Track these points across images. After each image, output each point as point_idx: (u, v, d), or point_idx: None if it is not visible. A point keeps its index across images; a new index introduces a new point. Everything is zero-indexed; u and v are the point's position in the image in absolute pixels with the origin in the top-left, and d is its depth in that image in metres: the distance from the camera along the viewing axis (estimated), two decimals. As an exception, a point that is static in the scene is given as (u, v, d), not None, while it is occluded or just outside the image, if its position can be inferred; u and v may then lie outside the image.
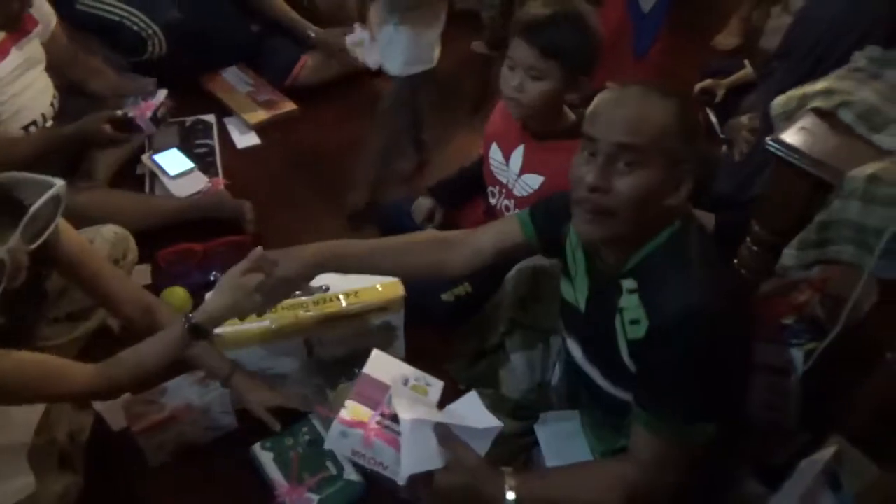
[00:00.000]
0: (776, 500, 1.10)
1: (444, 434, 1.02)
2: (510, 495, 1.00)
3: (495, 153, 1.63)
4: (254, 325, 1.42)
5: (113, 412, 1.49)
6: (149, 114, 1.79)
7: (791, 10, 1.66)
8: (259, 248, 1.26)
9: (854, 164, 1.07)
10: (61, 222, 1.25)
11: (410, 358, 1.60)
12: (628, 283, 1.04)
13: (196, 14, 2.32)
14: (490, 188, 1.69)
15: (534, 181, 1.55)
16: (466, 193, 1.85)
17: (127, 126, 1.77)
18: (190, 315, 1.22)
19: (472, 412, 1.07)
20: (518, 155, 1.57)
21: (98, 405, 1.52)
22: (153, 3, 2.23)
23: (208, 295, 1.31)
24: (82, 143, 1.84)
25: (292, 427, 1.44)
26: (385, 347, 1.55)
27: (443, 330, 1.69)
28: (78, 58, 2.03)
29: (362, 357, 1.49)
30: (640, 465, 1.02)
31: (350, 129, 2.38)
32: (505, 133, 1.60)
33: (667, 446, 1.00)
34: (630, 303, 1.03)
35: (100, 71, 2.07)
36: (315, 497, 1.34)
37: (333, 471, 1.37)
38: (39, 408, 1.31)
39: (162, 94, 1.85)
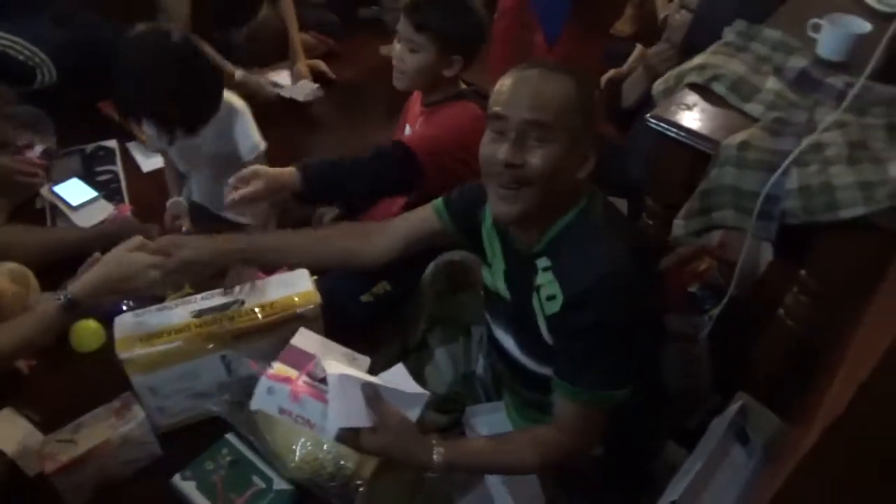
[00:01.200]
0: (691, 460, 1.15)
1: (372, 394, 1.03)
2: (437, 458, 1.04)
3: (408, 132, 1.72)
4: (163, 346, 1.38)
5: (26, 456, 1.42)
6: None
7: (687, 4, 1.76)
8: (137, 237, 1.28)
9: (729, 134, 1.13)
10: None
11: (335, 364, 1.61)
12: (542, 262, 1.08)
13: (85, 36, 2.24)
14: None
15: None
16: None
17: None
18: (66, 292, 1.21)
19: (401, 381, 1.08)
20: (418, 125, 1.67)
21: (10, 450, 1.45)
22: (34, 28, 2.13)
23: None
24: None
25: (210, 450, 1.41)
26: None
27: (366, 332, 1.68)
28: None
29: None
30: (559, 430, 1.07)
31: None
32: (413, 112, 1.72)
33: (584, 411, 1.05)
34: (545, 279, 1.07)
35: None
36: (249, 513, 1.32)
37: (262, 484, 1.35)
38: None
39: (38, 150, 1.90)
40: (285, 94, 2.53)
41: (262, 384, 1.04)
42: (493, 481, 1.28)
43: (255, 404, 1.06)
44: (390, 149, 1.53)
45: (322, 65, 2.68)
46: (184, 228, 1.85)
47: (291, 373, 1.06)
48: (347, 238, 1.34)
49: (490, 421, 1.41)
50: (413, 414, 1.05)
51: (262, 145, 1.75)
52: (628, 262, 1.01)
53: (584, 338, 1.03)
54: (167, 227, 1.86)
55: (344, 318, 1.64)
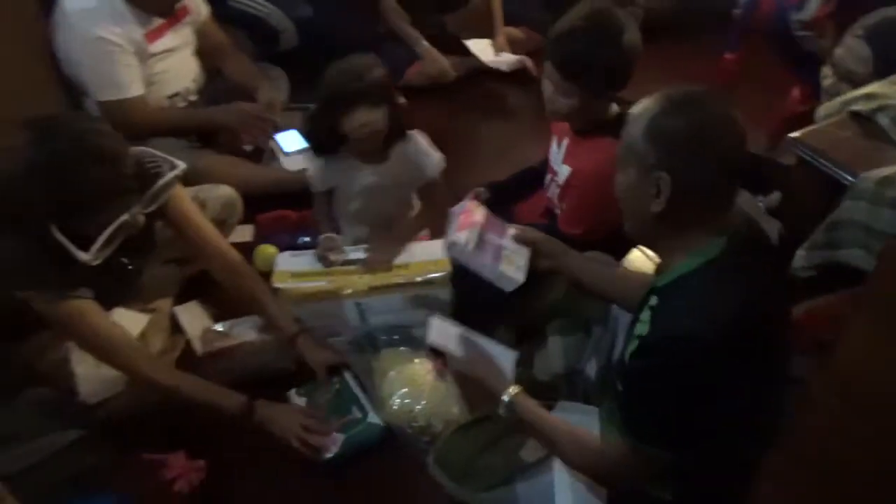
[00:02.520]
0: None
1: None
2: (510, 393, 1.17)
3: (554, 144, 1.74)
4: (312, 283, 1.60)
5: (197, 338, 1.74)
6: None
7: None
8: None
9: (874, 167, 1.03)
10: (176, 187, 1.52)
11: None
12: (652, 300, 1.06)
13: (327, 12, 2.60)
14: (546, 176, 1.79)
15: (565, 171, 1.64)
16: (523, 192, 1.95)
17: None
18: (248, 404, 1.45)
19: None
20: (563, 147, 1.67)
21: (190, 333, 1.78)
22: (290, 2, 2.53)
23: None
24: (212, 129, 2.21)
25: (326, 378, 1.61)
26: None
27: (488, 311, 1.76)
28: (222, 47, 2.37)
29: (408, 328, 1.65)
30: (603, 451, 1.09)
31: (459, 122, 2.54)
32: (561, 126, 1.70)
33: (624, 450, 1.04)
34: (645, 317, 1.05)
35: (237, 59, 2.40)
36: (341, 436, 1.49)
37: (358, 414, 1.52)
38: (142, 322, 1.59)
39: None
40: (489, 63, 2.68)
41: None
42: (562, 484, 1.28)
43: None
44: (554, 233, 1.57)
45: (528, 61, 2.79)
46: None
47: None
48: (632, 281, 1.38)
49: (576, 421, 1.42)
50: (507, 368, 1.23)
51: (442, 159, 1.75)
52: (717, 331, 0.95)
53: (636, 382, 1.03)
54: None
55: (473, 297, 1.73)
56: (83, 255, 1.29)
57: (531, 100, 2.74)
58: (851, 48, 1.53)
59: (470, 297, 1.74)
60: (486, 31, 2.80)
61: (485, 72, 2.74)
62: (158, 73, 2.11)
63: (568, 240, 1.59)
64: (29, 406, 1.50)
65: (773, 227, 1.62)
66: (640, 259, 1.69)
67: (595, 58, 1.43)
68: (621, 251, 1.75)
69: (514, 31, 2.87)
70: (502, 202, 1.97)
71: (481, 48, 2.74)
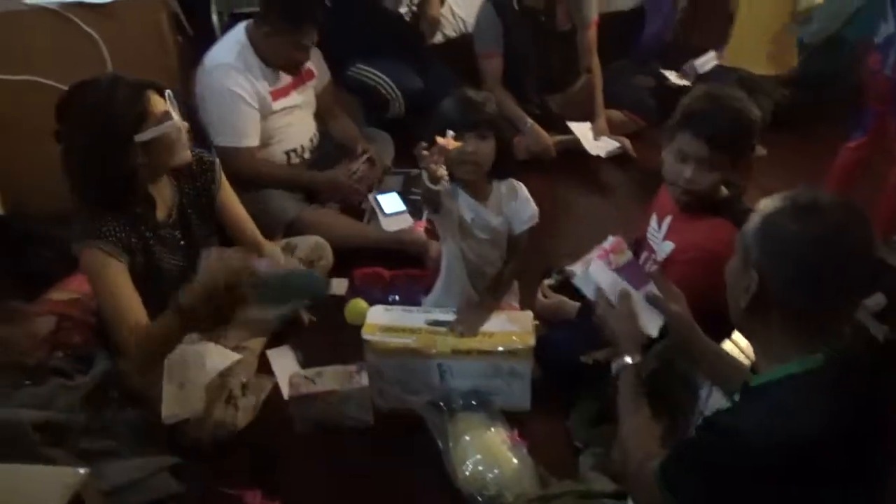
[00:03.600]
0: None
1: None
2: (627, 359, 1.31)
3: (653, 221, 1.76)
4: (399, 339, 1.65)
5: (285, 382, 1.82)
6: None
7: None
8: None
9: None
10: (225, 185, 1.77)
11: (535, 412, 1.72)
12: (738, 396, 1.08)
13: (436, 85, 2.76)
14: (643, 254, 1.79)
15: (667, 247, 1.64)
16: None
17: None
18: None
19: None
20: (666, 223, 1.68)
21: (278, 376, 1.87)
22: (403, 75, 2.71)
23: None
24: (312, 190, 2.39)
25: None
26: (510, 392, 1.69)
27: (571, 389, 1.76)
28: (333, 109, 2.55)
29: (487, 394, 1.66)
30: (644, 466, 1.12)
31: (555, 195, 2.58)
32: (663, 202, 1.72)
33: (652, 477, 1.07)
34: (729, 402, 1.08)
35: (343, 121, 2.58)
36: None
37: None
38: (228, 359, 1.70)
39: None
40: (589, 149, 2.76)
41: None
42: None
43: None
44: None
45: (626, 142, 2.83)
46: None
47: None
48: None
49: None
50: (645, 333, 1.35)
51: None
52: (778, 449, 0.93)
53: (691, 445, 1.06)
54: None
55: (557, 373, 1.76)
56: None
57: (627, 179, 2.78)
58: None
59: (553, 369, 1.76)
60: (587, 113, 2.87)
61: (585, 151, 2.80)
62: (279, 128, 2.31)
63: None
64: (125, 425, 1.61)
65: (879, 332, 1.55)
66: (734, 351, 1.64)
67: (744, 127, 1.49)
68: (720, 333, 1.70)
69: (615, 114, 2.93)
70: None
71: (583, 131, 2.82)
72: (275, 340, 1.99)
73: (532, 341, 1.64)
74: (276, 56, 2.19)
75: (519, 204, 1.72)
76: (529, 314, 1.71)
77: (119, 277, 1.51)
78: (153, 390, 1.62)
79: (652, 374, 1.52)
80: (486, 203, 1.69)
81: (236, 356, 1.78)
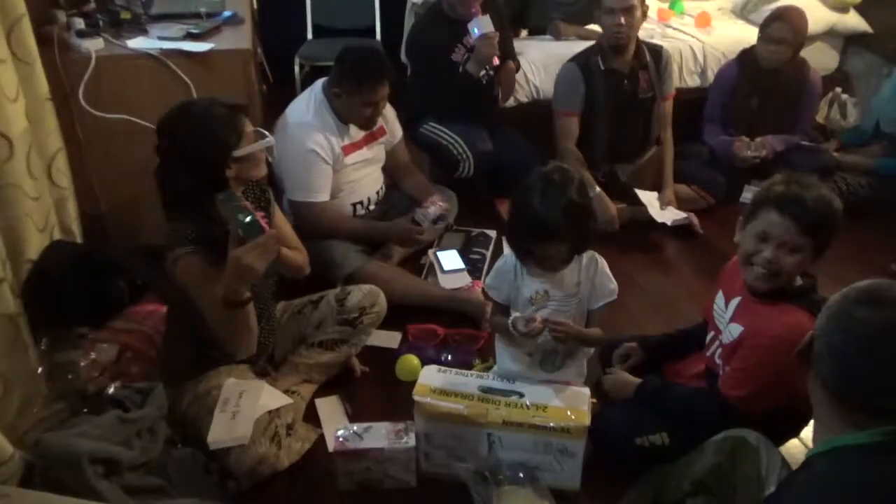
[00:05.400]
0: None
1: None
2: None
3: (719, 300, 1.72)
4: (450, 404, 1.63)
5: (333, 437, 1.79)
6: (431, 214, 2.36)
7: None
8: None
9: None
10: (277, 214, 1.87)
11: (584, 493, 1.67)
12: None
13: (504, 150, 2.80)
14: (709, 333, 1.75)
15: (735, 331, 1.59)
16: (679, 350, 1.92)
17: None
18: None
19: None
20: (734, 304, 1.64)
21: (325, 427, 1.86)
22: (475, 137, 2.75)
23: None
24: (386, 239, 2.44)
25: None
26: (560, 469, 1.64)
27: (622, 471, 1.69)
28: (406, 166, 2.61)
29: (534, 468, 1.62)
30: None
31: (617, 267, 2.48)
32: (731, 282, 1.68)
33: None
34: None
35: (415, 177, 2.63)
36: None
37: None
38: (278, 402, 1.74)
39: (433, 211, 2.42)
40: (655, 216, 2.72)
41: None
42: None
43: None
44: (714, 396, 1.61)
45: (693, 217, 2.78)
46: None
47: None
48: None
49: None
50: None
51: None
52: None
53: None
54: None
55: (611, 453, 1.70)
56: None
57: (691, 255, 2.72)
58: None
59: (606, 449, 1.70)
60: (655, 185, 2.85)
61: (649, 224, 2.76)
62: (349, 181, 2.38)
63: (729, 406, 1.57)
64: (175, 464, 1.63)
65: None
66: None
67: (830, 215, 1.47)
68: (786, 429, 1.67)
69: (684, 189, 2.90)
70: (653, 360, 1.94)
71: (649, 200, 2.79)
72: (324, 389, 1.98)
73: (587, 420, 1.59)
74: (348, 113, 2.27)
75: (599, 278, 1.69)
76: (587, 392, 1.67)
77: (207, 271, 1.57)
78: (203, 421, 1.66)
79: (714, 474, 1.46)
80: (559, 273, 1.66)
81: (288, 399, 1.80)
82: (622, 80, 2.76)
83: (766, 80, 2.83)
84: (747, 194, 3.03)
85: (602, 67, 2.73)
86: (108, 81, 2.16)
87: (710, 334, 1.76)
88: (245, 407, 1.66)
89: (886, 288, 1.01)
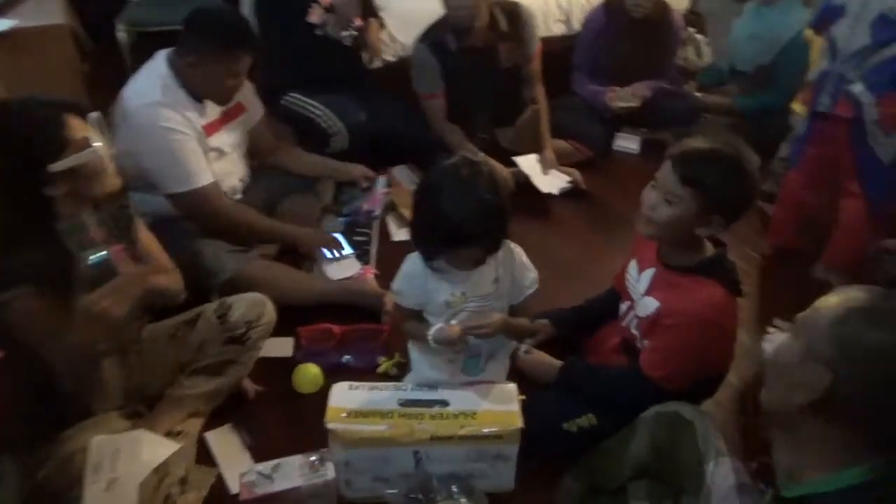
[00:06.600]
0: None
1: None
2: None
3: (632, 269, 1.69)
4: (370, 426, 1.46)
5: (233, 476, 1.58)
6: (378, 206, 2.29)
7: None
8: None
9: None
10: (142, 232, 1.55)
11: (519, 489, 1.58)
12: None
13: (380, 118, 2.56)
14: (622, 303, 1.72)
15: (651, 304, 1.57)
16: (592, 323, 1.88)
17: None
18: None
19: None
20: (647, 276, 1.61)
21: (221, 463, 1.63)
22: (344, 106, 2.49)
23: None
24: (288, 244, 2.19)
25: None
26: (494, 474, 1.54)
27: (555, 459, 1.63)
28: (276, 145, 2.31)
29: (468, 478, 1.50)
30: None
31: (513, 231, 2.45)
32: (644, 252, 1.64)
33: None
34: None
35: (297, 154, 2.34)
36: None
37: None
38: (163, 453, 1.45)
39: (381, 182, 2.27)
40: (541, 187, 2.64)
41: None
42: None
43: None
44: (638, 377, 1.56)
45: (576, 174, 2.74)
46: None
47: None
48: None
49: None
50: None
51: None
52: None
53: None
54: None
55: (541, 443, 1.61)
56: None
57: (584, 214, 2.68)
58: None
59: (538, 441, 1.61)
60: (536, 146, 2.76)
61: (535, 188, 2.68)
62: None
63: (649, 384, 1.54)
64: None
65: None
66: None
67: (724, 173, 1.41)
68: (702, 392, 1.67)
69: (563, 144, 2.84)
70: (567, 336, 1.88)
71: (530, 164, 2.70)
72: (214, 419, 1.73)
73: (519, 422, 1.48)
74: (206, 85, 1.94)
75: (518, 269, 1.57)
76: (514, 388, 1.56)
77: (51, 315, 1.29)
78: (69, 497, 1.35)
79: (653, 454, 1.41)
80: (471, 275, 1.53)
81: (174, 445, 1.53)
82: (479, 57, 2.56)
83: (633, 26, 2.80)
84: (619, 142, 3.06)
85: (455, 47, 2.51)
86: None
87: (626, 304, 1.72)
88: (123, 470, 1.37)
89: (881, 301, 0.94)
